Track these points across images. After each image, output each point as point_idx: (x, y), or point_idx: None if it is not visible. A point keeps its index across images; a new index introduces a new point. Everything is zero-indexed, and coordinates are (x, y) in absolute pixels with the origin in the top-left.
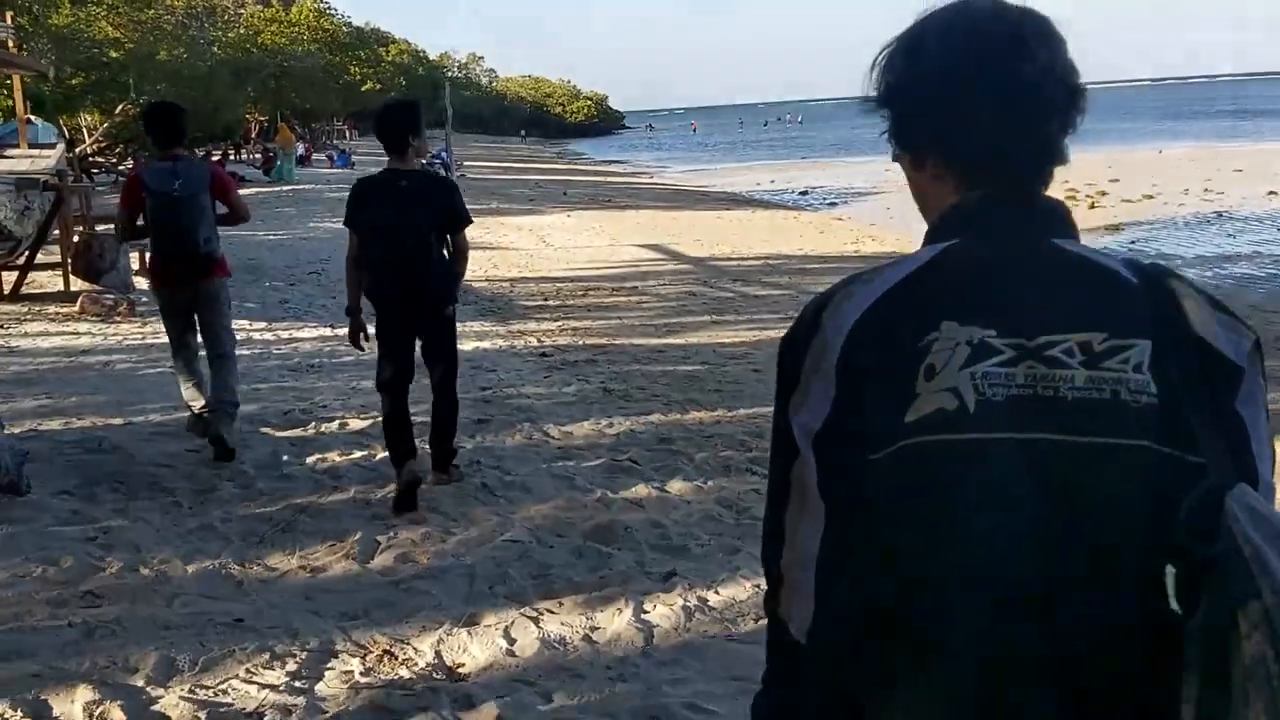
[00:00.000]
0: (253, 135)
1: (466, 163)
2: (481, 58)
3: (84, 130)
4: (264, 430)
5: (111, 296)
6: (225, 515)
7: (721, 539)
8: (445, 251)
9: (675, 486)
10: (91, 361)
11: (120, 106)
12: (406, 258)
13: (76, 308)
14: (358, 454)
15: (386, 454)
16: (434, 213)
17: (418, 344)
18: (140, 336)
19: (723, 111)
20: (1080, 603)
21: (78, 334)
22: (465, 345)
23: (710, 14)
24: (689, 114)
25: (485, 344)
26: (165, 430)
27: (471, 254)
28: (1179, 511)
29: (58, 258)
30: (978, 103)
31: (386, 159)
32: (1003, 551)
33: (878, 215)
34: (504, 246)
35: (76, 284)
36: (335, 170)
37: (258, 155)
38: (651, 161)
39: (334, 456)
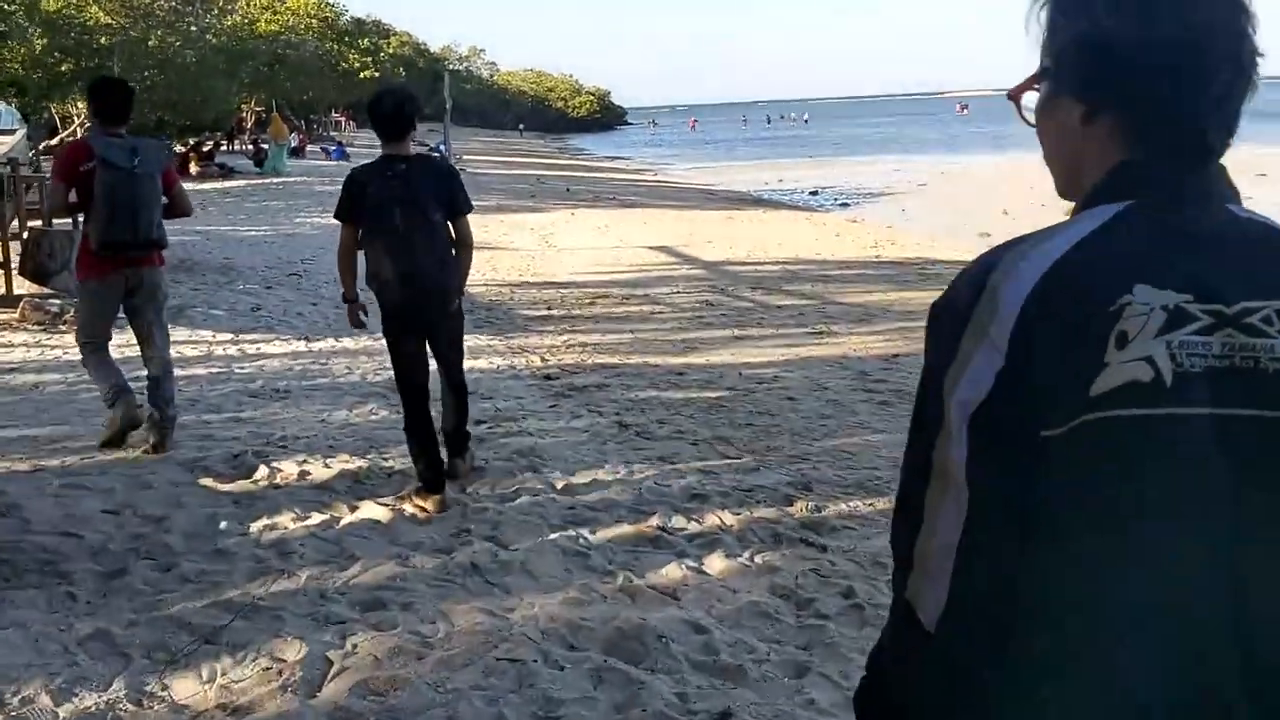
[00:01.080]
0: (248, 125)
1: (466, 156)
2: (483, 50)
3: (75, 118)
4: (203, 483)
5: (57, 303)
6: (133, 614)
7: (783, 649)
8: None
9: (715, 564)
10: (19, 382)
11: None
12: (418, 247)
13: (17, 314)
14: (316, 519)
15: (351, 519)
16: (442, 198)
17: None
18: None
19: (724, 109)
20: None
21: (11, 346)
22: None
23: (717, 13)
24: (691, 110)
25: (482, 363)
26: (80, 482)
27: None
28: None
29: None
30: (1200, 69)
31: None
32: (1197, 541)
33: (893, 217)
34: (504, 246)
35: (24, 286)
36: (330, 163)
37: (250, 146)
38: (655, 158)
39: (286, 522)
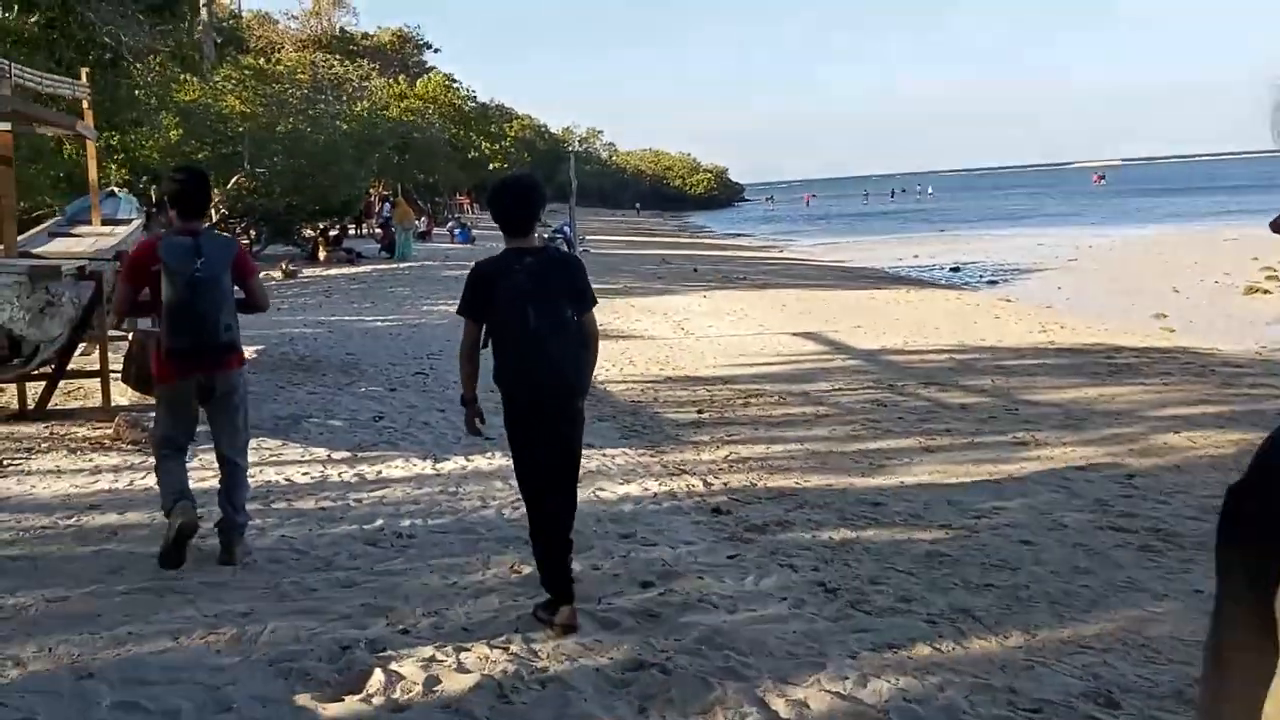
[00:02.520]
0: (376, 209)
1: (589, 236)
2: (601, 131)
3: (209, 203)
4: (299, 702)
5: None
6: None
7: None
8: None
9: None
10: (95, 525)
11: (233, 179)
12: (553, 347)
13: (111, 431)
14: None
15: None
16: (572, 293)
17: None
18: None
19: (840, 184)
20: None
21: (98, 472)
22: (612, 490)
23: (828, 89)
24: (806, 185)
25: (635, 488)
26: (138, 698)
27: (606, 346)
28: None
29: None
30: None
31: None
32: None
33: (1049, 296)
34: (637, 334)
35: (126, 395)
36: (456, 245)
37: (378, 230)
38: (776, 235)
39: None
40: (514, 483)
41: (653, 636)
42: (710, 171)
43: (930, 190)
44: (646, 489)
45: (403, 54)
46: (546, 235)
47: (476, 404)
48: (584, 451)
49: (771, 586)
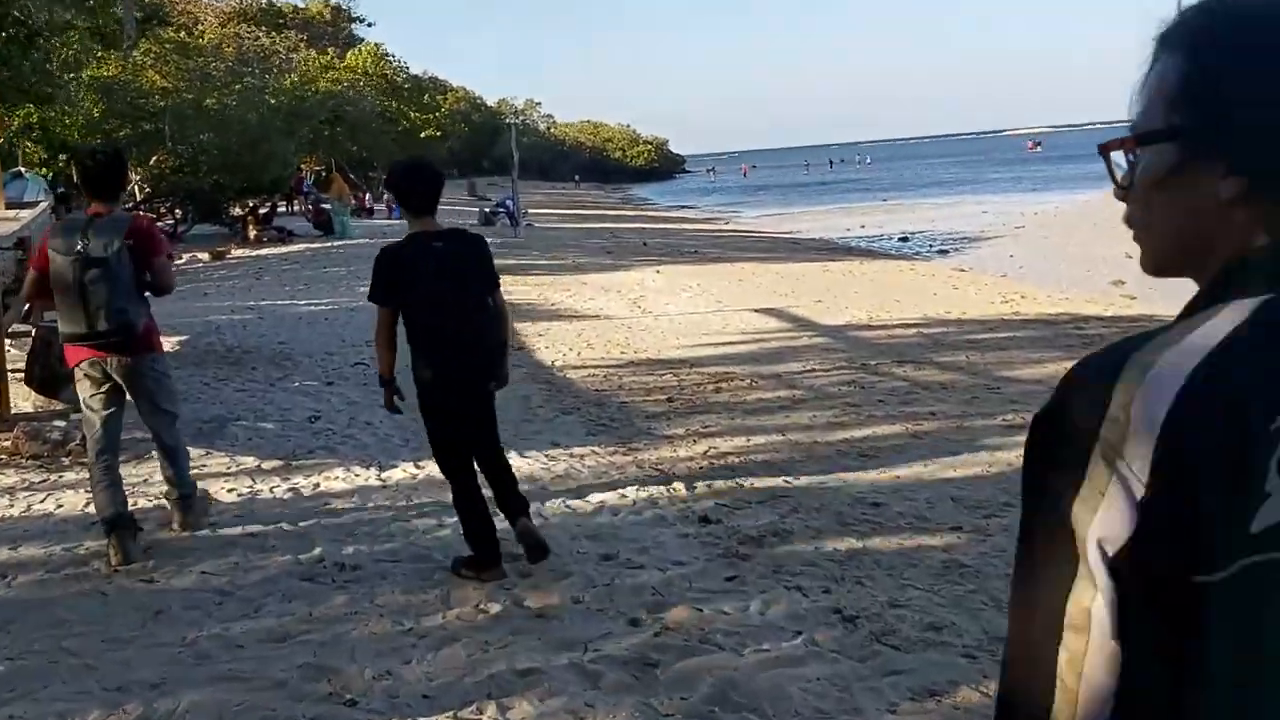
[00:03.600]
0: (307, 186)
1: (530, 210)
2: (539, 103)
3: (135, 185)
4: None
5: (61, 426)
6: None
7: None
8: None
9: None
10: None
11: (155, 157)
12: (472, 327)
13: (9, 444)
14: None
15: None
16: (485, 273)
17: None
18: (89, 499)
19: (780, 154)
20: None
21: None
22: (585, 499)
23: (764, 59)
24: (744, 157)
25: (610, 496)
26: None
27: (561, 328)
28: None
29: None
30: None
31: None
32: None
33: (1002, 265)
34: (594, 314)
35: (30, 399)
36: (393, 221)
37: (309, 208)
38: (721, 207)
39: None
40: None
41: (654, 695)
42: (650, 143)
43: (869, 160)
44: (624, 496)
45: (334, 27)
46: (488, 210)
47: (395, 383)
48: (551, 453)
49: (780, 616)
